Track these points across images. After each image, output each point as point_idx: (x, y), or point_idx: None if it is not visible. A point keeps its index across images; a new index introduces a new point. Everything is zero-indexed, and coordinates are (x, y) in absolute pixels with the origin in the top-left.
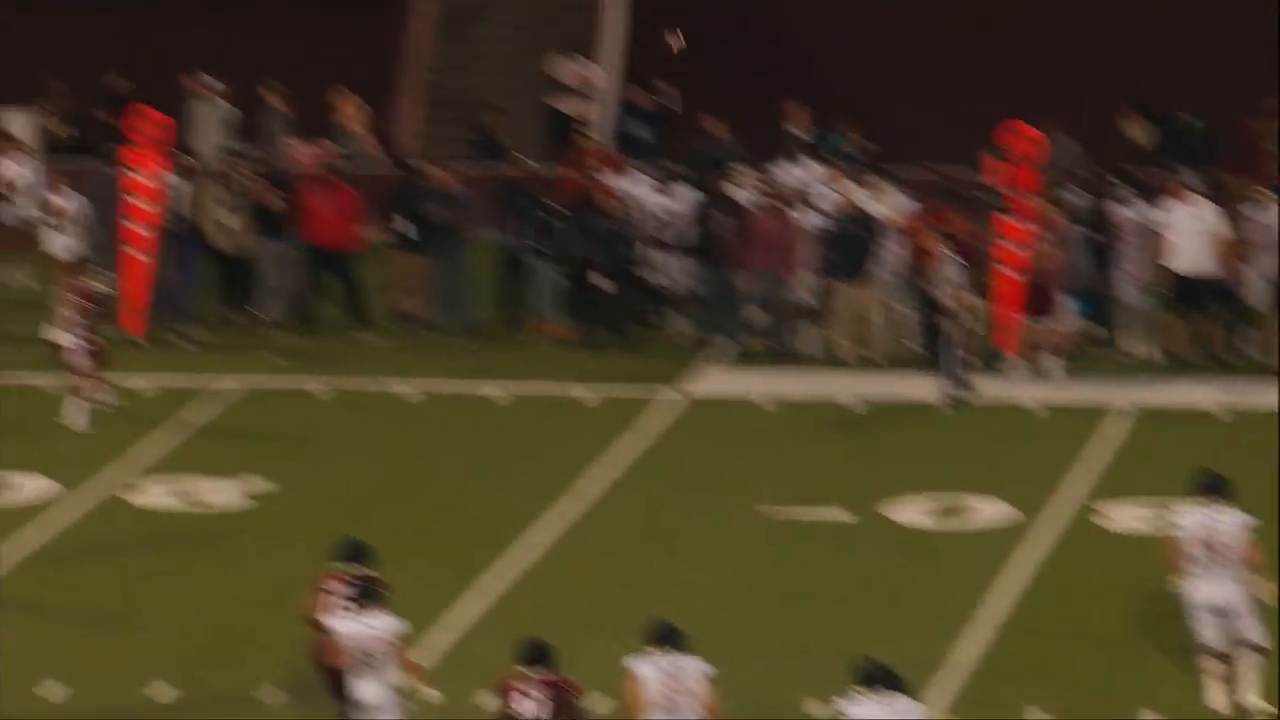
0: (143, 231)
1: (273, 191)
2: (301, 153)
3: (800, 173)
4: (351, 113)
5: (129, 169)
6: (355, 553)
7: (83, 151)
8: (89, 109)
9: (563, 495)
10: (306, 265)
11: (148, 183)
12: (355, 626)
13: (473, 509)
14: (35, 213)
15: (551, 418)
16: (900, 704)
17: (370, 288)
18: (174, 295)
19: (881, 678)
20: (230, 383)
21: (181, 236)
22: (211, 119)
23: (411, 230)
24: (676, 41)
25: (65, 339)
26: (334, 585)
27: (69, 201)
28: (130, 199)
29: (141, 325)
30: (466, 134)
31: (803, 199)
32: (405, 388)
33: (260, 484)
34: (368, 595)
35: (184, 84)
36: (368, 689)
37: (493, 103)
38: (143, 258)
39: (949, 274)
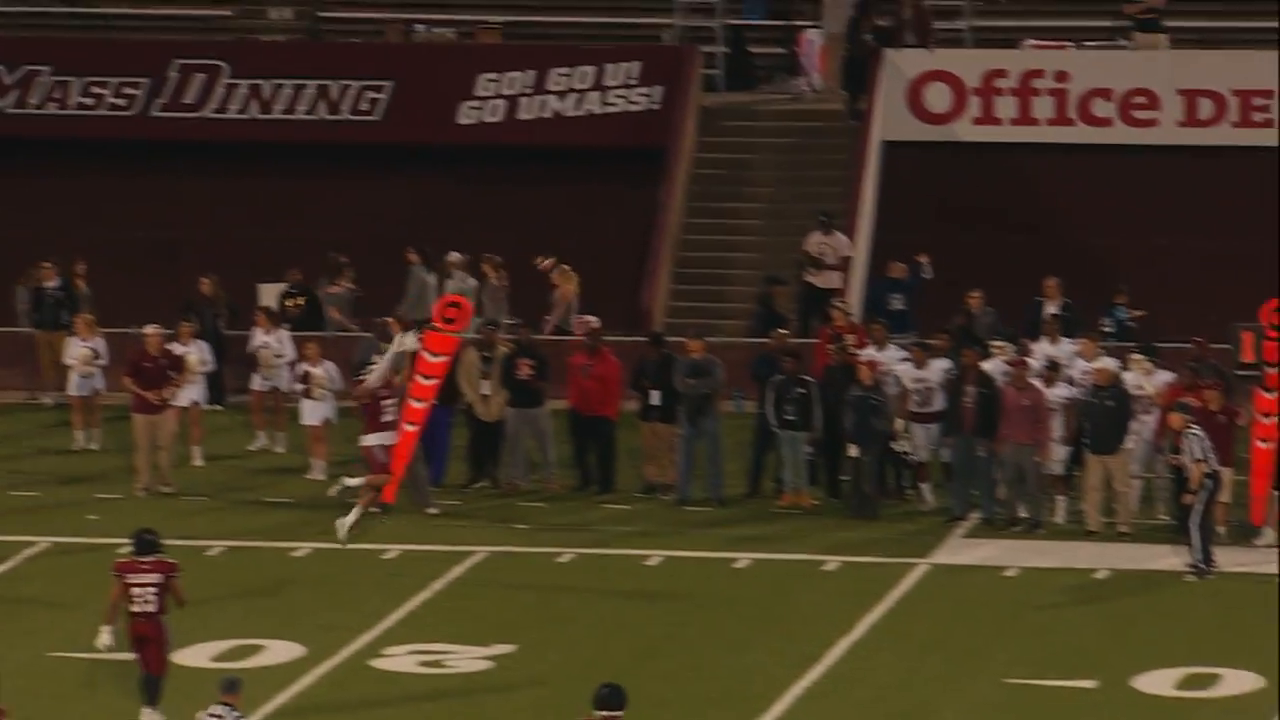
0: (419, 406)
1: (526, 361)
2: (577, 323)
3: (1052, 347)
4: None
5: (425, 349)
6: (614, 699)
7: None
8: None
9: (809, 664)
10: (571, 431)
11: (435, 361)
12: None
13: (717, 676)
14: (296, 384)
15: (798, 587)
16: None
17: (620, 456)
18: (426, 463)
19: None
20: (477, 547)
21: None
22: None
23: (661, 399)
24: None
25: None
26: None
27: (323, 369)
28: (419, 377)
29: (393, 493)
30: (747, 305)
31: (1055, 372)
32: (651, 555)
33: (501, 647)
34: None
35: (414, 256)
36: None
37: (776, 276)
38: (410, 429)
39: (1194, 447)
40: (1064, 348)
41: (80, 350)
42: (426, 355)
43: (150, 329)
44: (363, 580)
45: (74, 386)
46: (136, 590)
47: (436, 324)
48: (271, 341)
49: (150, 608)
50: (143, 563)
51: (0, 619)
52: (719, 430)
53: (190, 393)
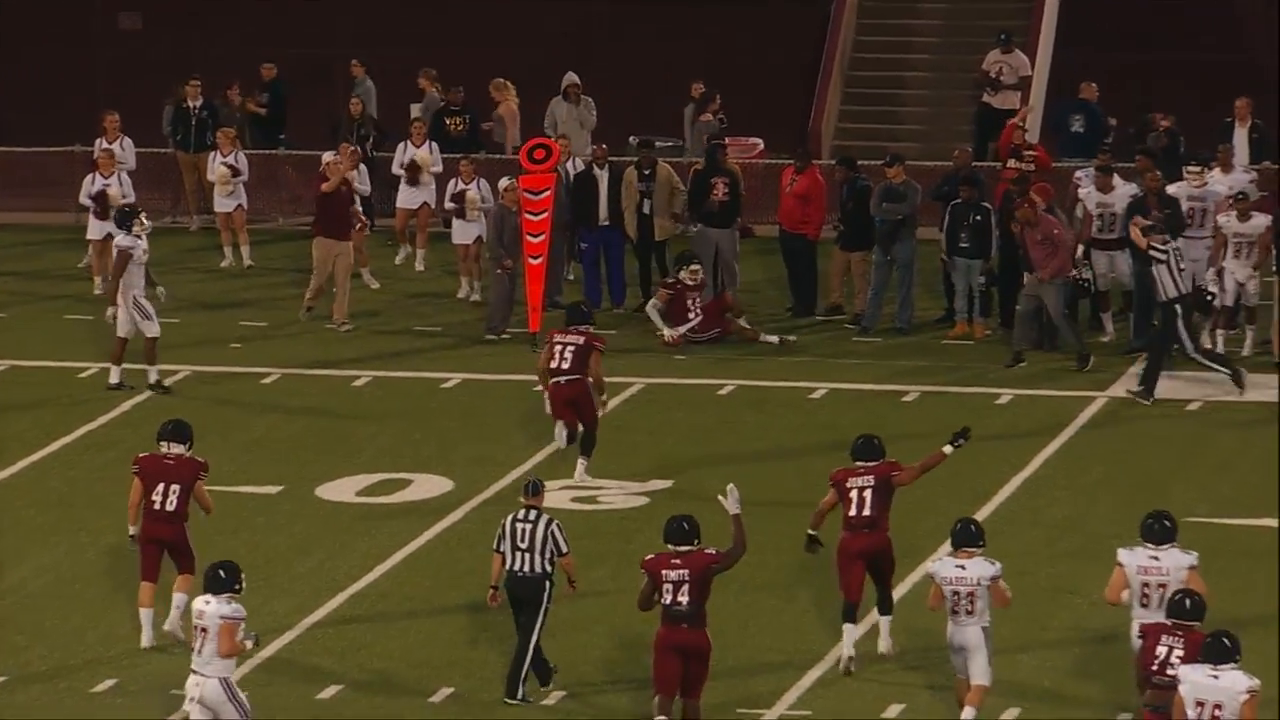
0: (535, 240)
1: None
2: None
3: (1235, 175)
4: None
5: (524, 190)
6: (680, 534)
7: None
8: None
9: (982, 500)
10: (782, 251)
11: (537, 199)
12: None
13: None
14: (449, 204)
15: (969, 422)
16: None
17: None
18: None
19: None
20: (634, 379)
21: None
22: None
23: (854, 224)
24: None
25: None
26: None
27: (476, 189)
28: (527, 215)
29: (538, 322)
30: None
31: (1244, 201)
32: (817, 388)
33: (657, 483)
34: None
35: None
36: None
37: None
38: (535, 262)
39: None
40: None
41: (220, 168)
42: (527, 195)
43: (330, 156)
44: (512, 412)
45: (216, 203)
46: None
47: (525, 164)
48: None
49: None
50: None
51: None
52: (913, 257)
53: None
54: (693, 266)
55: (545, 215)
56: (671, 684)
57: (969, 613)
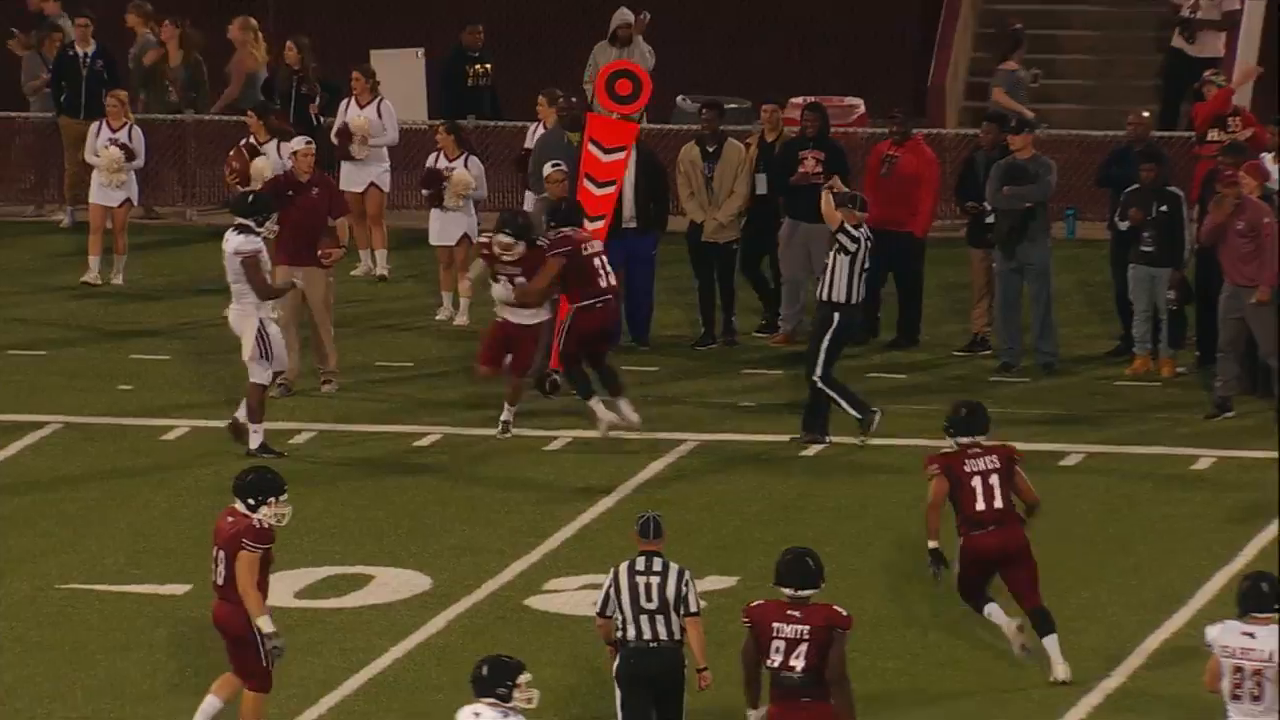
0: (596, 225)
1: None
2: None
3: None
4: None
5: (594, 140)
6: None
7: None
8: None
9: (1167, 608)
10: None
11: (609, 160)
12: None
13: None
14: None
15: (1149, 496)
16: None
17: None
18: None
19: None
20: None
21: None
22: None
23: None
24: None
25: None
26: None
27: (466, 168)
28: (588, 184)
29: None
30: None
31: None
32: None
33: (716, 580)
34: None
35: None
36: None
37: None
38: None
39: None
40: None
41: (108, 149)
42: (597, 152)
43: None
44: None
45: (95, 193)
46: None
47: (604, 104)
48: None
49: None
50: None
51: None
52: (1049, 262)
53: None
54: (501, 236)
55: (612, 190)
56: None
57: (1255, 698)
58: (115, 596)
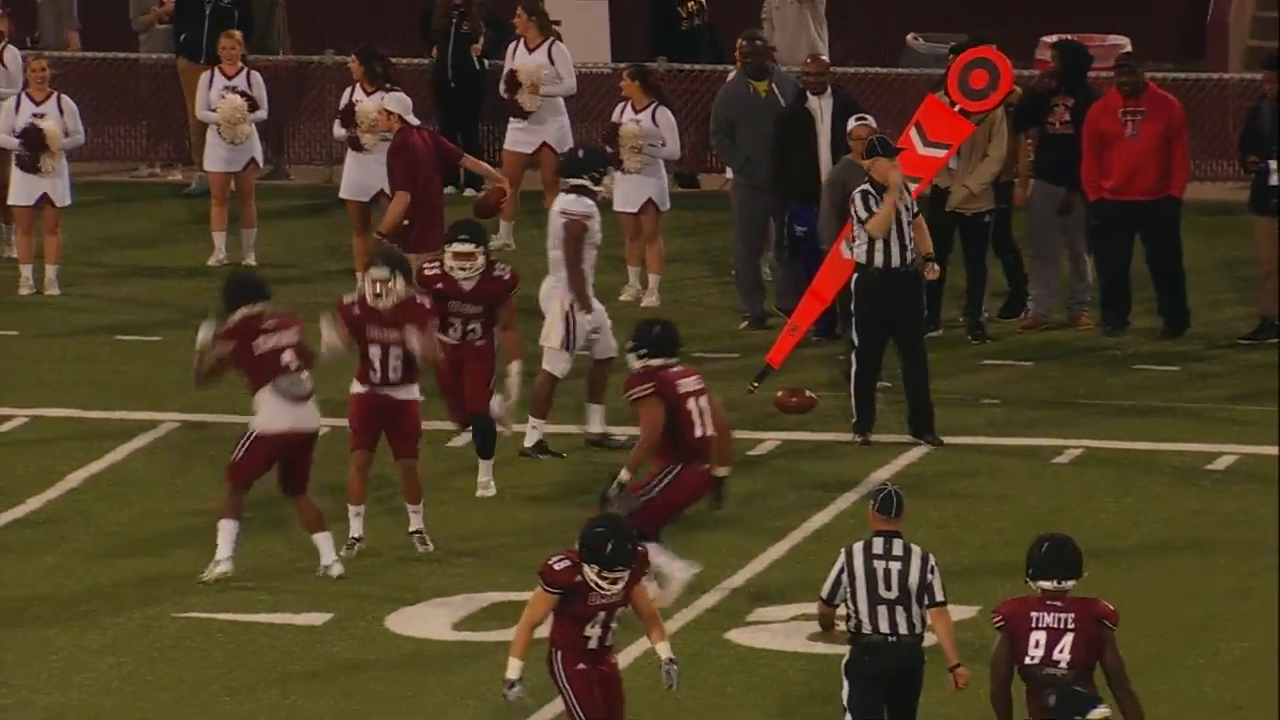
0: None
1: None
2: None
3: None
4: None
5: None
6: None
7: None
8: None
9: None
10: (1098, 229)
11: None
12: None
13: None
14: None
15: None
16: None
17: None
18: None
19: None
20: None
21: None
22: None
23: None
24: None
25: None
26: None
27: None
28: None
29: (784, 351)
30: None
31: None
32: (1221, 451)
33: None
34: None
35: None
36: None
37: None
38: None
39: None
40: None
41: (230, 97)
42: (916, 139)
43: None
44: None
45: (209, 158)
46: None
47: (952, 92)
48: None
49: None
50: None
51: None
52: None
53: None
54: (458, 242)
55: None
56: None
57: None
58: (241, 627)
